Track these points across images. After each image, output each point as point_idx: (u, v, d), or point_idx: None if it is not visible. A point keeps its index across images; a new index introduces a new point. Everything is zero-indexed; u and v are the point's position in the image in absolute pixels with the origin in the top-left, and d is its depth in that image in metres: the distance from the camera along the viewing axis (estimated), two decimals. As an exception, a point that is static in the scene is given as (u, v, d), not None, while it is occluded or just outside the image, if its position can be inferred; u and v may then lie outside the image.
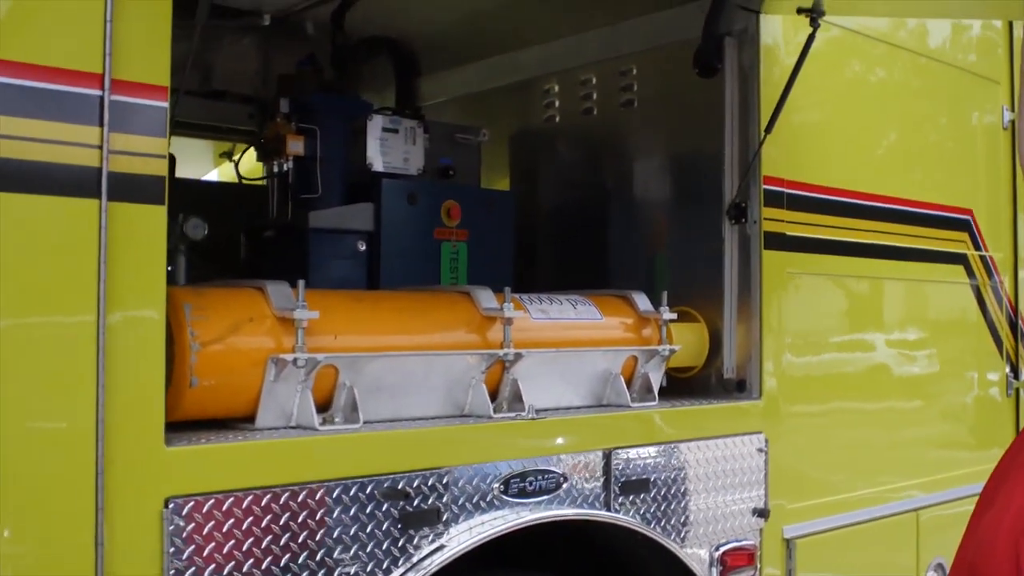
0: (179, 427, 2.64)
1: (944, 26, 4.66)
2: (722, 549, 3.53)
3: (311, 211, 3.64)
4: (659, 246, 4.12)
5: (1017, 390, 4.99)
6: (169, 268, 3.62)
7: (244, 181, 4.07)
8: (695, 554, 3.44)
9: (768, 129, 3.63)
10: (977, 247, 4.75)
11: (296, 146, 3.64)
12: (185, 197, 3.80)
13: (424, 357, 2.99)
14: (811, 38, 3.53)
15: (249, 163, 4.60)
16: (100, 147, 2.26)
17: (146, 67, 2.35)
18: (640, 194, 4.22)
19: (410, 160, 3.91)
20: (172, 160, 3.78)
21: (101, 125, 2.27)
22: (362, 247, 3.73)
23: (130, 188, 2.31)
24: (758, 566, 3.65)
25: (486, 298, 3.16)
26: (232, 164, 4.96)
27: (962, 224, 4.67)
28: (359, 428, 2.76)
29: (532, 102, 4.59)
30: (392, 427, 2.84)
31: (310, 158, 3.70)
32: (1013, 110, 4.87)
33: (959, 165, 4.72)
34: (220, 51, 5.30)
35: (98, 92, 2.27)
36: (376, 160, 3.81)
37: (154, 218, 2.35)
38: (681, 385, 3.85)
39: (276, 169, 3.73)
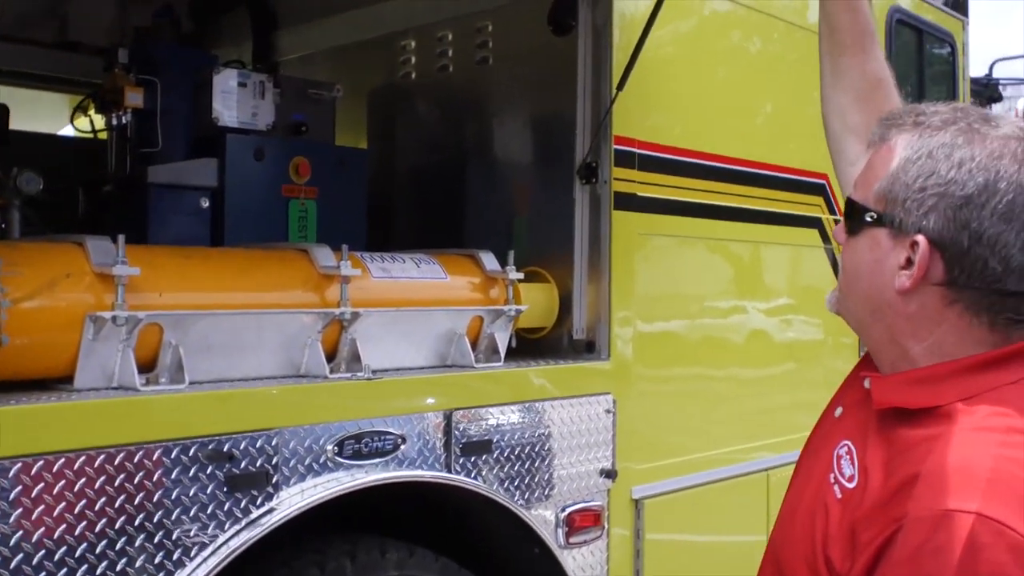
0: (-6, 388, 2.55)
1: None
2: (568, 510, 3.53)
3: (151, 165, 3.53)
4: (519, 208, 4.09)
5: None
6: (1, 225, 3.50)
7: (79, 134, 3.93)
8: (540, 515, 3.44)
9: (619, 87, 3.61)
10: (832, 211, 4.81)
11: (135, 98, 3.52)
12: (21, 151, 3.67)
13: (256, 316, 2.92)
14: (661, -3, 3.51)
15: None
16: None
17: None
18: (497, 154, 4.19)
19: (259, 115, 3.81)
20: (4, 111, 3.64)
21: None
22: (205, 204, 3.63)
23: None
24: (605, 526, 3.67)
25: (324, 256, 3.10)
26: (87, 119, 4.81)
27: (817, 188, 4.73)
28: (183, 388, 2.68)
29: (390, 58, 4.51)
30: (218, 387, 2.77)
31: (150, 111, 3.58)
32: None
33: (818, 131, 4.75)
34: (76, 1, 5.13)
35: None
36: (223, 114, 3.69)
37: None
38: (532, 346, 3.83)
39: (115, 122, 3.60)
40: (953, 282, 1.59)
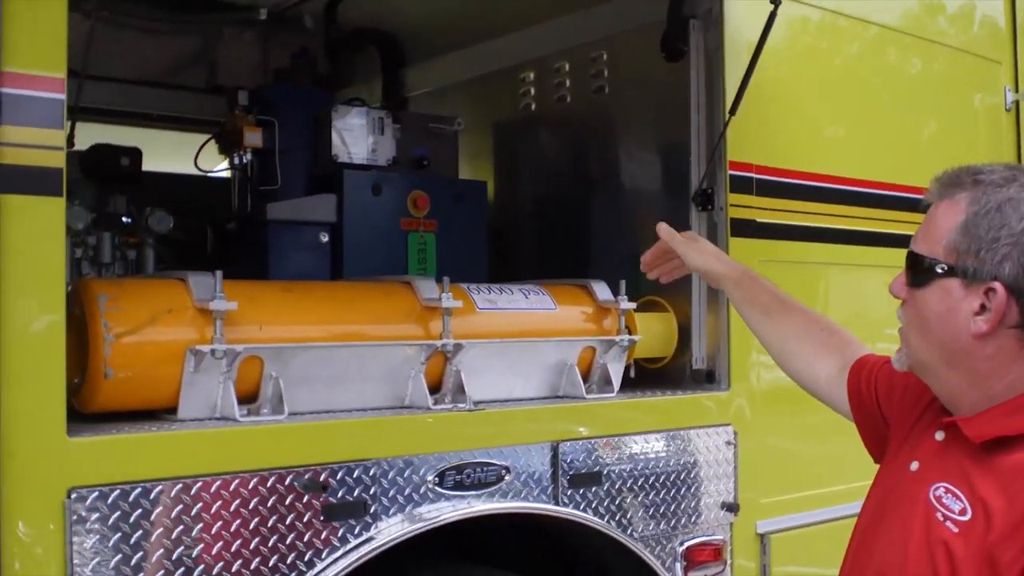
0: (101, 418, 2.65)
1: (942, 5, 4.52)
2: (686, 544, 3.44)
3: (270, 203, 3.63)
4: (646, 235, 4.03)
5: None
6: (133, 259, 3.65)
7: (204, 173, 4.09)
8: (656, 549, 3.37)
9: (732, 111, 3.53)
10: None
11: (253, 138, 3.64)
12: (152, 190, 3.84)
13: (357, 348, 2.96)
14: (772, 16, 3.42)
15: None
16: (-10, 140, 2.27)
17: (39, 59, 2.34)
18: (617, 182, 4.15)
19: (378, 151, 3.89)
20: (137, 154, 3.81)
21: (-9, 118, 2.27)
22: (324, 239, 3.72)
23: (24, 180, 2.31)
24: (728, 561, 3.56)
25: (427, 288, 3.12)
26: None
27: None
28: (282, 419, 2.74)
29: (511, 91, 4.53)
30: (317, 418, 2.81)
31: (269, 150, 3.69)
32: (1017, 91, 4.71)
33: (956, 148, 4.56)
34: (221, 47, 5.34)
35: (-13, 85, 2.28)
36: (341, 151, 3.79)
37: (51, 210, 2.35)
38: (652, 377, 3.77)
39: (236, 161, 3.73)
40: None
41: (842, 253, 3.99)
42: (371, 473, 2.77)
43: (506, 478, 3.03)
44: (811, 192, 3.87)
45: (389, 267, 3.75)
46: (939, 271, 1.83)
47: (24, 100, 2.31)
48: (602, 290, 3.53)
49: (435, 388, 3.11)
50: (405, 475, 2.84)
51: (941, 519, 1.81)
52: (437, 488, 2.90)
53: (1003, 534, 1.70)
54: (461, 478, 2.95)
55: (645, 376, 3.75)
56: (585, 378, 3.42)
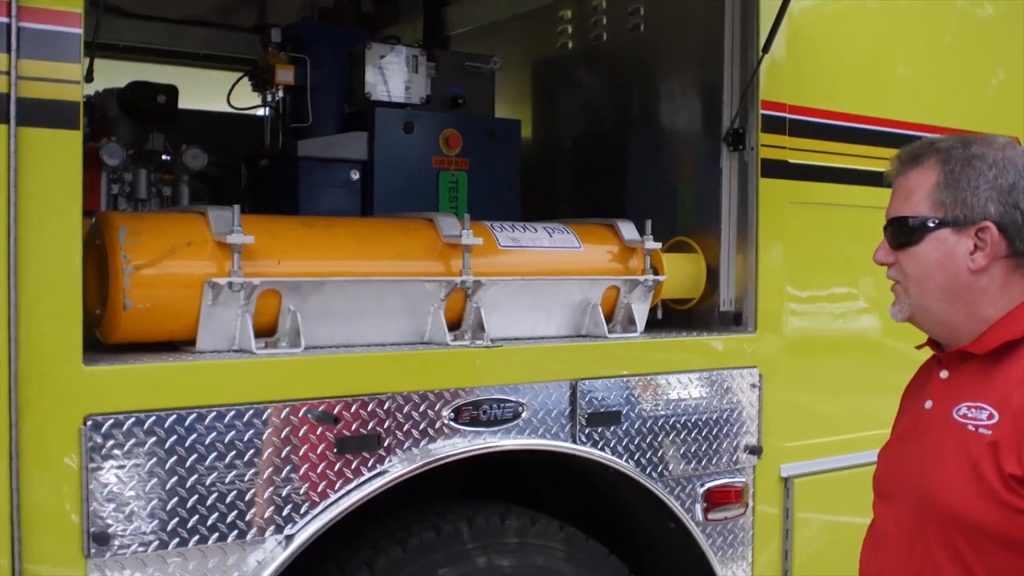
0: (122, 349, 2.72)
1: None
2: (707, 485, 3.46)
3: (301, 140, 3.66)
4: (678, 177, 4.00)
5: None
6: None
7: (237, 110, 4.13)
8: (676, 490, 3.38)
9: (765, 49, 3.48)
10: None
11: (285, 75, 3.67)
12: (189, 128, 3.89)
13: (376, 283, 2.98)
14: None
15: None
16: (8, 73, 2.31)
17: (57, -7, 2.38)
18: (652, 122, 4.10)
19: (412, 89, 3.89)
20: (174, 92, 3.85)
21: (9, 52, 2.31)
22: (355, 176, 3.74)
23: (42, 113, 2.35)
24: (750, 504, 3.57)
25: (448, 225, 3.13)
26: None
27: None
28: (297, 352, 2.79)
29: (549, 29, 4.50)
30: (333, 352, 2.86)
31: (301, 87, 3.71)
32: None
33: (1003, 90, 4.45)
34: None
35: (5, 19, 2.31)
36: (375, 89, 3.80)
37: (68, 142, 2.39)
38: (680, 318, 3.77)
39: (269, 99, 3.76)
40: (1017, 251, 2.10)
41: (874, 196, 3.92)
42: (385, 407, 2.81)
43: (523, 415, 3.06)
44: (845, 133, 3.81)
45: (420, 205, 3.76)
46: (931, 225, 2.13)
47: (42, 34, 2.36)
48: (628, 230, 3.52)
49: (455, 325, 3.13)
50: (420, 410, 2.88)
51: (973, 429, 2.05)
52: (453, 424, 2.94)
53: None
54: (477, 414, 2.98)
55: (672, 317, 3.75)
56: (609, 318, 3.43)
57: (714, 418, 3.45)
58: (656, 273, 3.52)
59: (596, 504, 3.49)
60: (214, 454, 2.56)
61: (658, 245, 3.49)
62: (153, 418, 2.48)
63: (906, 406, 2.35)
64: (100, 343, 2.74)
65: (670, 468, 3.34)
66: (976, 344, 2.13)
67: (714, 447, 3.46)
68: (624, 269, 3.49)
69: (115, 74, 3.86)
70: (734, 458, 3.51)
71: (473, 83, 4.15)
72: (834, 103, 3.78)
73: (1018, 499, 1.96)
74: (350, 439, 2.76)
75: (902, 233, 2.17)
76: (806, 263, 3.75)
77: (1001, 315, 2.12)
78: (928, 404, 2.21)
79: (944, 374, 2.20)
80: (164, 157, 3.82)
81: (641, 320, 3.48)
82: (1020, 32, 4.45)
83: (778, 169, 3.63)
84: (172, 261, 2.70)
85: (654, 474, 3.31)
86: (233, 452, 2.58)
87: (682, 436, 3.37)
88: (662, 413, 3.33)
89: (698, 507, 3.43)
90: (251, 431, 2.60)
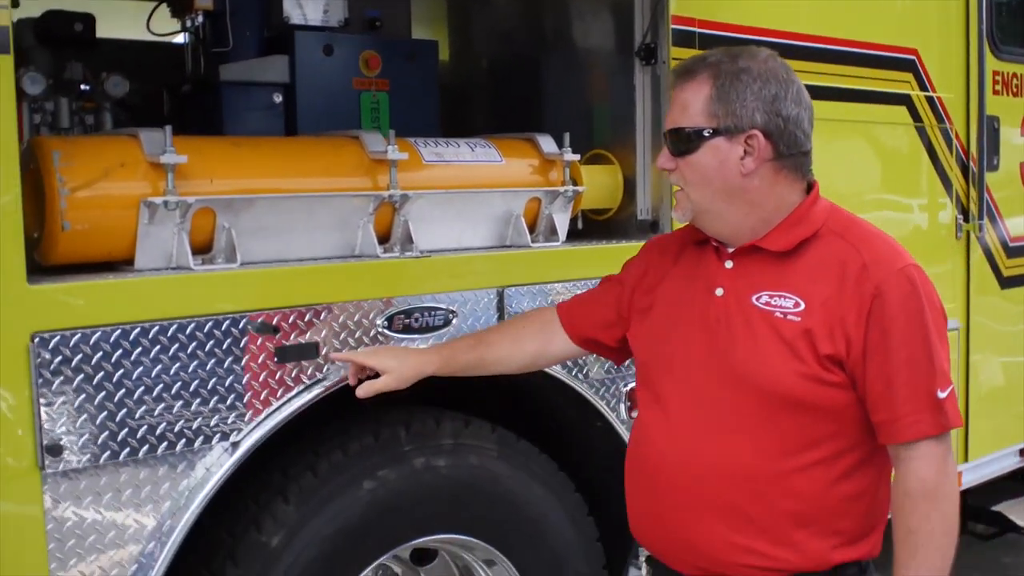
0: (63, 270, 2.78)
1: None
2: (630, 386, 3.62)
3: (222, 65, 3.71)
4: (594, 94, 4.12)
5: (968, 232, 4.98)
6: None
7: (157, 36, 4.14)
8: (602, 391, 3.54)
9: (666, -35, 3.61)
10: (923, 87, 4.70)
11: (204, 0, 3.69)
12: (108, 57, 3.90)
13: (306, 199, 3.07)
14: None
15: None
16: (-63, -3, 2.35)
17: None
18: (568, 39, 4.21)
19: (330, 12, 3.92)
20: (91, 20, 3.86)
21: (-64, -26, 2.35)
22: (278, 99, 3.80)
23: (-28, 38, 2.39)
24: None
25: (374, 141, 3.22)
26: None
27: (906, 64, 4.62)
28: (234, 267, 2.87)
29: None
30: (268, 266, 2.95)
31: (220, 13, 3.74)
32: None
33: (903, 3, 4.64)
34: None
35: (-68, -59, 2.35)
36: (292, 13, 3.83)
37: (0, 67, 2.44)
38: (599, 227, 3.91)
39: (188, 24, 3.79)
40: (780, 155, 2.37)
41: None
42: (322, 317, 2.92)
43: (453, 322, 3.19)
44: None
45: (342, 126, 3.79)
46: (706, 135, 2.37)
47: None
48: (547, 143, 3.64)
49: (384, 239, 3.23)
50: (355, 319, 3.00)
51: (782, 316, 2.35)
52: (386, 331, 3.06)
53: (843, 304, 2.30)
54: (409, 322, 3.11)
55: (592, 227, 3.89)
56: (532, 229, 3.55)
57: (634, 321, 3.61)
58: (575, 184, 3.65)
59: (524, 407, 3.64)
60: (159, 366, 2.65)
61: (576, 157, 3.62)
62: (99, 333, 2.56)
63: (674, 286, 2.58)
64: (40, 266, 2.80)
65: (594, 370, 3.50)
66: (771, 241, 2.40)
67: (635, 348, 3.62)
68: (545, 181, 3.61)
69: (31, 5, 3.85)
70: (654, 358, 3.67)
71: (389, 5, 4.20)
72: (742, 17, 3.92)
73: (831, 375, 2.31)
74: (290, 348, 2.86)
75: (681, 142, 2.41)
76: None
77: (779, 212, 2.41)
78: (719, 292, 2.45)
79: (730, 264, 2.46)
80: (84, 87, 3.83)
81: (563, 230, 3.61)
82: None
83: (689, 81, 3.76)
84: (107, 182, 2.76)
85: (579, 375, 3.48)
86: (177, 364, 2.67)
87: (605, 339, 3.53)
88: (585, 317, 3.47)
89: (622, 407, 3.61)
90: (194, 343, 2.70)
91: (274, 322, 2.83)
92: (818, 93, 4.10)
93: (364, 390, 2.81)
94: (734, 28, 3.91)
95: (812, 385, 2.31)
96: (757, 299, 2.39)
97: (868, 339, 2.29)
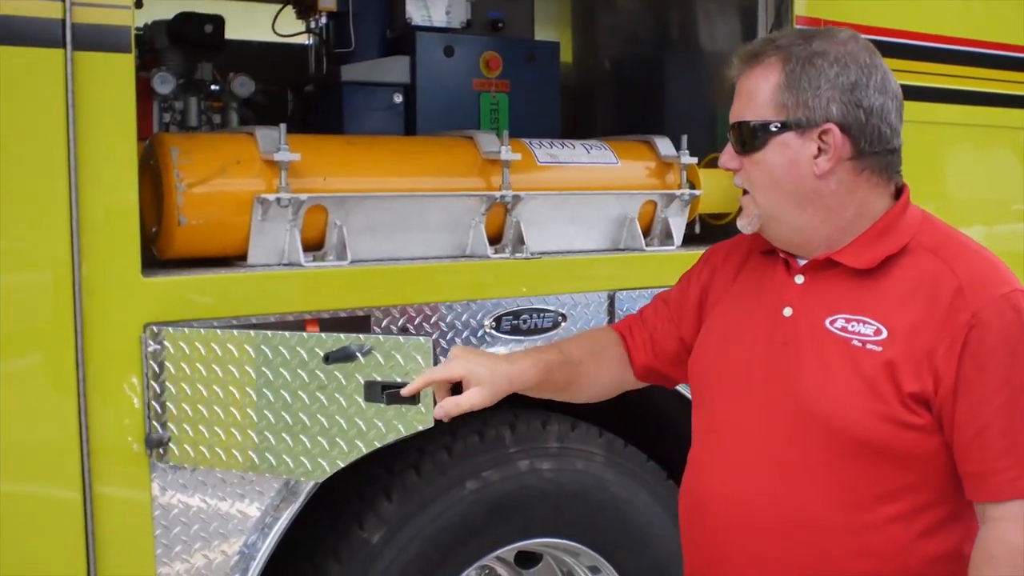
0: (178, 264, 2.86)
1: None
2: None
3: (344, 65, 3.77)
4: (717, 94, 4.05)
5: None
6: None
7: (282, 38, 4.23)
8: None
9: (798, -36, 3.52)
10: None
11: (328, 2, 3.75)
12: (236, 57, 4.00)
13: (417, 198, 3.09)
14: None
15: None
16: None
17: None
18: (694, 40, 4.17)
19: (452, 13, 3.96)
20: (220, 21, 3.96)
21: (63, -22, 2.43)
22: (398, 99, 3.84)
23: (95, 38, 2.47)
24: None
25: (487, 142, 3.22)
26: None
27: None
28: (344, 264, 2.91)
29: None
30: (378, 264, 2.97)
31: (343, 14, 3.80)
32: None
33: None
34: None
35: (59, -50, 2.43)
36: (415, 14, 3.87)
37: (121, 66, 2.51)
38: (718, 232, 3.83)
39: (312, 25, 3.86)
40: (861, 153, 2.02)
41: (925, 111, 3.94)
42: (431, 319, 2.94)
43: (562, 324, 3.17)
44: (889, 48, 3.81)
45: (462, 127, 3.80)
46: (773, 129, 2.03)
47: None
48: (665, 145, 3.59)
49: (496, 239, 3.23)
50: (463, 319, 3.00)
51: (860, 344, 2.01)
52: (494, 332, 3.06)
53: (934, 334, 1.96)
54: (518, 323, 3.10)
55: (711, 232, 3.82)
56: (646, 232, 3.51)
57: (751, 328, 3.53)
58: (692, 188, 3.59)
59: (637, 414, 3.59)
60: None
61: (694, 160, 3.56)
62: (211, 326, 2.62)
63: (736, 302, 2.24)
64: (156, 259, 2.88)
65: (708, 376, 3.43)
66: (850, 255, 2.05)
67: (751, 356, 3.54)
68: (661, 184, 3.56)
69: (163, 8, 3.97)
70: (771, 366, 3.59)
71: (512, 7, 4.22)
72: (869, 17, 3.80)
73: (915, 416, 1.96)
74: (397, 347, 2.88)
75: (745, 138, 2.06)
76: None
77: (858, 222, 2.06)
78: (788, 312, 2.11)
79: (800, 279, 2.11)
80: (213, 86, 3.93)
81: (678, 234, 3.56)
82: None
83: (812, 83, 3.66)
84: (222, 179, 2.83)
85: (692, 382, 3.41)
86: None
87: (719, 346, 3.46)
88: (699, 323, 3.41)
89: (736, 415, 3.52)
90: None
91: (383, 323, 2.85)
92: (955, 97, 4.01)
93: (444, 409, 2.15)
94: (861, 29, 3.74)
95: (892, 428, 1.96)
96: (832, 323, 2.05)
97: (960, 376, 1.93)
